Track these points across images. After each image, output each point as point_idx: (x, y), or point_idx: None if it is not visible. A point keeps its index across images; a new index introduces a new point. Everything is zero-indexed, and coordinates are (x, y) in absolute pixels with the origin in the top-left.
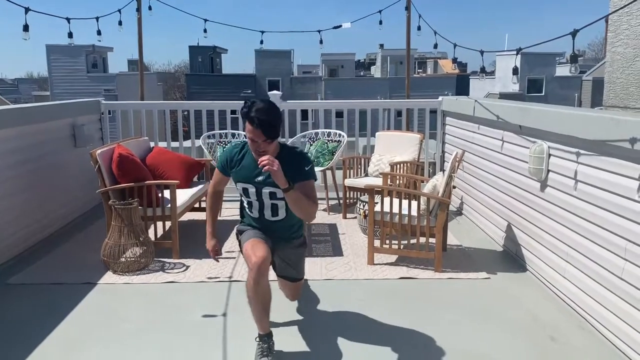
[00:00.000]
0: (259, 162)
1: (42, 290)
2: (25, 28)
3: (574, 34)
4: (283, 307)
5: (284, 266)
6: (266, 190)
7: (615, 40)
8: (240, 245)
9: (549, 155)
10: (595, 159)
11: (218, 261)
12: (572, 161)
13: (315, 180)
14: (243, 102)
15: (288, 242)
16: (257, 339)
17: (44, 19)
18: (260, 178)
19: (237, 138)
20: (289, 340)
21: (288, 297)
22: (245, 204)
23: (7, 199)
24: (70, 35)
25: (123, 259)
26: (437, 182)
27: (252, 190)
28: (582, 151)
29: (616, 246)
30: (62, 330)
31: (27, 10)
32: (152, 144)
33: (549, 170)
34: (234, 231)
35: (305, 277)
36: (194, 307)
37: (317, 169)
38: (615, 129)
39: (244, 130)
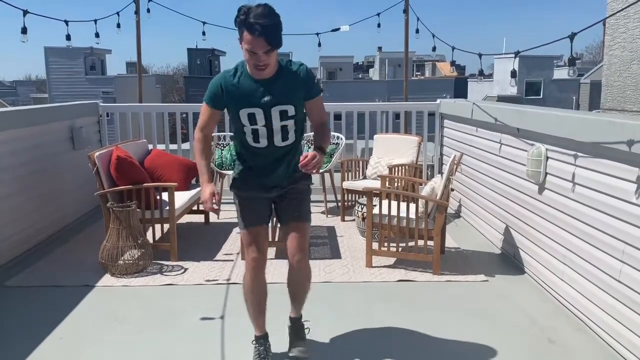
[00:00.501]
0: (301, 166)
1: (40, 293)
2: (24, 31)
3: (572, 37)
4: (280, 309)
5: (290, 208)
6: (276, 110)
7: (613, 44)
8: (236, 206)
9: (547, 157)
10: (593, 161)
11: (218, 213)
12: (570, 164)
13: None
14: (237, 10)
15: (292, 175)
16: (254, 342)
17: (42, 21)
18: (267, 98)
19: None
20: (286, 342)
21: (294, 250)
22: (248, 138)
23: (5, 200)
24: (68, 37)
25: (121, 262)
26: (436, 184)
27: (259, 114)
28: (580, 154)
29: (614, 249)
30: (60, 332)
31: (25, 12)
32: (150, 147)
33: (547, 173)
34: (235, 231)
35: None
36: (192, 309)
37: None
38: (613, 132)
39: (240, 42)
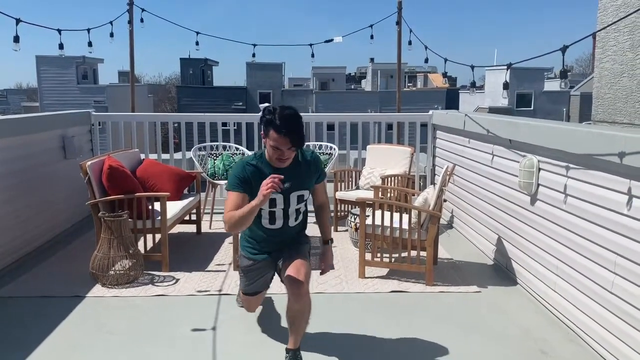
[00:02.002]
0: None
1: (30, 303)
2: (16, 39)
3: (563, 49)
4: (273, 320)
5: (291, 254)
6: (294, 195)
7: (603, 57)
8: (240, 281)
9: (539, 169)
10: (584, 173)
11: (282, 188)
12: (562, 175)
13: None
14: (262, 109)
15: (294, 241)
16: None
17: (34, 29)
18: (287, 184)
19: (227, 150)
20: (279, 352)
21: (295, 276)
22: (264, 220)
23: None
24: (61, 46)
25: (112, 272)
26: (428, 195)
27: (279, 199)
28: (571, 165)
29: (606, 260)
30: (50, 343)
31: (18, 21)
32: (142, 156)
33: (539, 184)
34: (227, 241)
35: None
36: (183, 320)
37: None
38: (604, 144)
39: (264, 137)
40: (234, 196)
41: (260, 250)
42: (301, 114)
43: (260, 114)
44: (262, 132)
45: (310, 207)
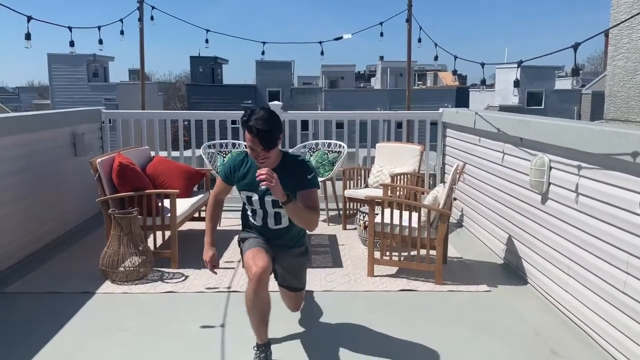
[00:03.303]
0: (257, 176)
1: (40, 299)
2: (27, 37)
3: (575, 47)
4: (282, 318)
5: (286, 276)
6: (269, 199)
7: (616, 54)
8: (241, 252)
9: (550, 168)
10: (597, 172)
11: (216, 273)
12: (574, 174)
13: (318, 188)
14: (243, 110)
15: (290, 250)
16: (255, 349)
17: (45, 27)
18: (264, 187)
19: (237, 148)
20: (287, 351)
21: (289, 308)
22: (248, 212)
23: (6, 206)
24: (72, 44)
25: (122, 269)
26: (438, 193)
27: (255, 198)
28: (583, 164)
29: (618, 259)
30: (60, 339)
31: (29, 19)
32: (152, 153)
33: (550, 183)
34: (236, 239)
35: (305, 288)
36: (193, 317)
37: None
38: (617, 143)
39: (244, 140)
40: (219, 182)
41: (257, 235)
42: (310, 112)
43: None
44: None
45: None
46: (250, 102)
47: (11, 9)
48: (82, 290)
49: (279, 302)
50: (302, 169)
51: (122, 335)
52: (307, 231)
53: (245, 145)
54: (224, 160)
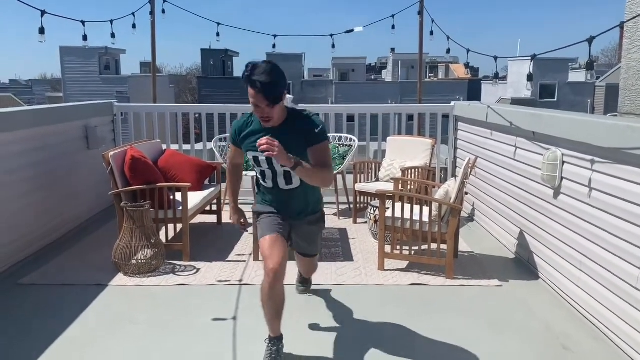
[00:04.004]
0: (257, 146)
1: (54, 291)
2: (41, 31)
3: (590, 40)
4: (294, 311)
5: (301, 243)
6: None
7: (631, 47)
8: (256, 226)
9: (563, 162)
10: (610, 166)
11: (247, 230)
12: (587, 169)
13: (328, 141)
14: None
15: (307, 218)
16: (267, 341)
17: (58, 21)
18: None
19: None
20: (298, 344)
21: (303, 273)
22: (258, 174)
23: (20, 200)
24: (85, 38)
25: (134, 261)
26: (449, 188)
27: (262, 158)
28: (597, 159)
29: (631, 255)
30: (73, 331)
31: (43, 13)
32: (164, 147)
33: (562, 178)
34: (246, 233)
35: (315, 282)
36: (204, 310)
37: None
38: (632, 137)
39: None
40: (231, 146)
41: (269, 202)
42: (321, 105)
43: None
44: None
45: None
46: None
47: (26, 3)
48: (95, 282)
49: (291, 295)
50: (309, 124)
51: (134, 328)
52: (322, 197)
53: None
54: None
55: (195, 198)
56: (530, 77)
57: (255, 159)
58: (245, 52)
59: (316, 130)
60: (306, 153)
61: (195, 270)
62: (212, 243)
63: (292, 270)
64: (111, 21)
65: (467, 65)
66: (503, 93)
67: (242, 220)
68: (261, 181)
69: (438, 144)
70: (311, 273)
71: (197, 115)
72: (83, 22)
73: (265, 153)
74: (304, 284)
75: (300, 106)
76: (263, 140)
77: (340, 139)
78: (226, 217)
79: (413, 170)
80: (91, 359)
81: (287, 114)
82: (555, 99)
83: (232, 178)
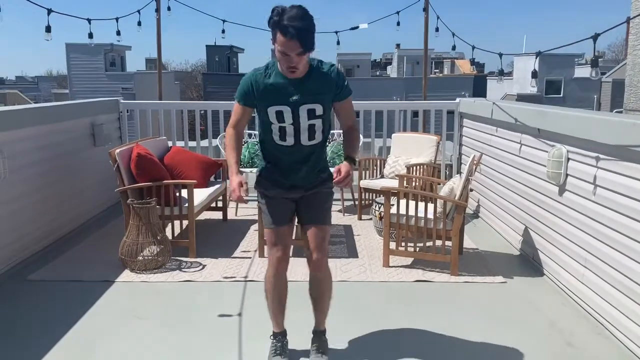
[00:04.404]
0: (335, 183)
1: (61, 287)
2: (48, 29)
3: (595, 37)
4: (297, 308)
5: (312, 211)
6: (304, 108)
7: (637, 44)
8: (259, 204)
9: (568, 159)
10: (615, 164)
11: (246, 202)
12: (592, 166)
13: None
14: (271, 11)
15: (316, 179)
16: (272, 337)
17: (64, 18)
18: (295, 97)
19: (253, 138)
20: (302, 340)
21: (314, 253)
22: (275, 135)
23: (28, 196)
24: (90, 35)
25: (140, 258)
26: (454, 184)
27: (287, 113)
28: (602, 156)
29: (636, 252)
30: (80, 327)
31: (49, 11)
32: (170, 144)
33: (567, 175)
34: (252, 228)
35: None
36: (210, 306)
37: (332, 169)
38: (637, 134)
39: (273, 42)
40: (236, 107)
41: (279, 173)
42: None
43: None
44: (271, 37)
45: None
46: None
47: (32, 2)
48: (102, 278)
49: (294, 292)
50: (336, 75)
51: (141, 323)
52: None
53: (276, 51)
54: (241, 80)
55: (201, 195)
56: (534, 74)
57: (279, 114)
58: (250, 49)
59: (345, 84)
60: (330, 104)
61: (201, 267)
62: (217, 240)
63: (295, 268)
64: (117, 19)
65: (472, 62)
66: (509, 89)
67: (242, 185)
68: (277, 141)
69: (443, 140)
70: (324, 251)
71: (202, 112)
72: (89, 20)
73: (346, 185)
74: (319, 337)
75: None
76: (341, 177)
77: None
78: (231, 213)
79: (418, 167)
80: (99, 353)
81: (308, 63)
82: (562, 95)
83: (233, 144)
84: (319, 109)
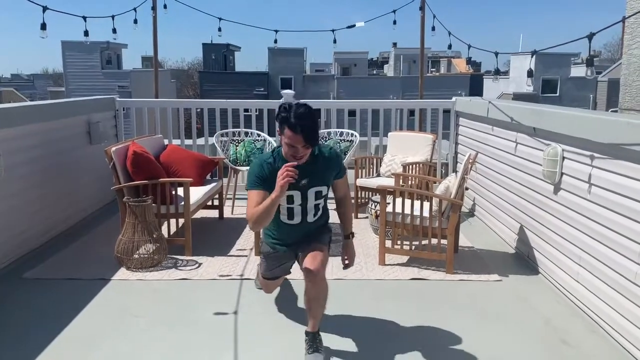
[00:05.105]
0: (345, 268)
1: (57, 285)
2: (43, 27)
3: (590, 37)
4: (293, 304)
5: (311, 245)
6: (312, 191)
7: (632, 43)
8: (259, 265)
9: (563, 158)
10: (610, 162)
11: (296, 174)
12: (587, 164)
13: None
14: (278, 107)
15: (317, 230)
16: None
17: (60, 15)
18: (304, 181)
19: (249, 136)
20: (299, 336)
21: (312, 267)
22: (282, 215)
23: (23, 194)
24: (86, 33)
25: (136, 256)
26: (450, 183)
27: (297, 196)
28: (596, 154)
29: (630, 251)
30: (76, 325)
31: (45, 9)
32: (166, 142)
33: (562, 173)
34: (248, 227)
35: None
36: (206, 304)
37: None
38: (631, 133)
39: (280, 134)
40: (254, 194)
41: (280, 242)
42: (322, 100)
43: (276, 110)
44: (277, 129)
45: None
46: (262, 89)
47: None
48: (98, 276)
49: (290, 288)
50: (335, 160)
51: (137, 321)
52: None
53: (279, 141)
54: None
55: (197, 193)
56: (530, 73)
57: (289, 198)
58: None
59: (342, 166)
60: (332, 181)
61: (197, 265)
62: (213, 238)
63: (295, 267)
64: (113, 17)
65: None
66: (505, 88)
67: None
68: (284, 220)
69: (439, 139)
70: (320, 267)
71: (198, 110)
72: (84, 18)
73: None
74: (313, 336)
75: (302, 101)
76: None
77: (341, 134)
78: (227, 211)
79: (414, 166)
80: (95, 352)
81: (312, 151)
82: (558, 94)
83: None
84: (324, 190)
